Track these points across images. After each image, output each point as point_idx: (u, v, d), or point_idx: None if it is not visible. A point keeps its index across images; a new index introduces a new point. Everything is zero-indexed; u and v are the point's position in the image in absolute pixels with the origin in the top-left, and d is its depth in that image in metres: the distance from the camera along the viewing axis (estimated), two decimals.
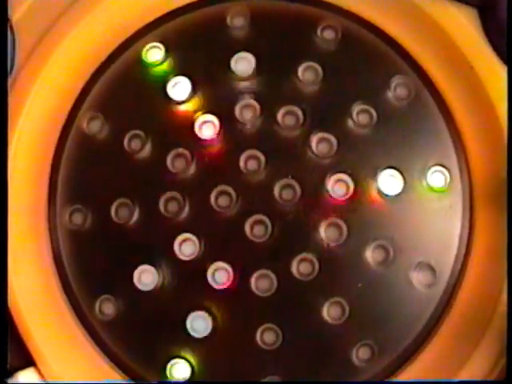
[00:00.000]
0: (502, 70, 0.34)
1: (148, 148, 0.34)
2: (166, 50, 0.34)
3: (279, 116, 0.33)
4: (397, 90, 0.34)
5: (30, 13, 0.35)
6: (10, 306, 0.33)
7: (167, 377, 0.33)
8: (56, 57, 0.34)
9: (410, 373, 0.33)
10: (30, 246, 0.34)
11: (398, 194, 0.33)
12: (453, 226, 0.33)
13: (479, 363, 0.32)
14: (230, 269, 0.33)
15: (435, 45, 0.34)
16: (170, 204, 0.33)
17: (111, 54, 0.35)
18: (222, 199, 0.33)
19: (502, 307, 0.32)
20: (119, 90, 0.35)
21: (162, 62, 0.34)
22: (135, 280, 0.33)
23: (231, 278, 0.33)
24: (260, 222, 0.33)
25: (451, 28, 0.34)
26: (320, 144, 0.33)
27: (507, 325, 0.29)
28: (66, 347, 0.34)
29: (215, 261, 0.33)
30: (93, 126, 0.34)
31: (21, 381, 0.33)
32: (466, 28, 0.34)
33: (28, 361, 0.33)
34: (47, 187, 0.35)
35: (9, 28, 0.34)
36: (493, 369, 0.32)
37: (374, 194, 0.33)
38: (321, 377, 0.33)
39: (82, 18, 0.34)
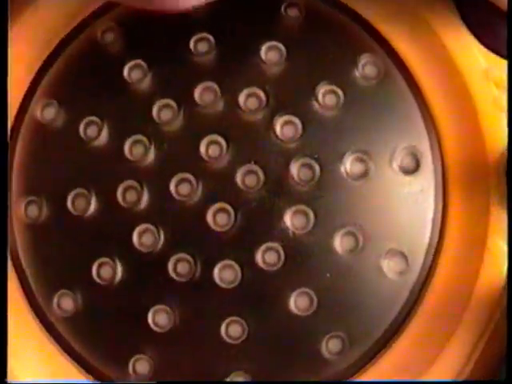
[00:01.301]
0: (475, 47, 0.33)
1: (104, 135, 0.32)
2: (122, 32, 0.33)
3: (241, 99, 0.32)
4: (365, 69, 0.32)
5: None
6: None
7: (130, 373, 0.32)
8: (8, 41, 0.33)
9: (382, 364, 0.32)
10: None
11: (367, 179, 0.32)
12: (425, 211, 0.32)
13: (455, 352, 0.31)
14: (191, 260, 0.31)
15: (405, 22, 0.33)
16: (128, 193, 0.32)
17: (65, 38, 0.33)
18: (182, 187, 0.32)
19: (477, 294, 0.31)
20: (74, 75, 0.33)
21: (117, 46, 0.33)
22: (94, 274, 0.32)
23: (193, 270, 0.31)
24: (222, 210, 0.31)
25: (422, 3, 0.32)
26: (284, 127, 0.32)
27: (507, 325, 0.28)
28: (25, 345, 0.32)
29: (176, 252, 0.31)
30: (47, 113, 0.33)
31: None
32: (438, 5, 0.32)
33: None
34: None
35: None
36: (469, 357, 0.31)
37: (341, 179, 0.32)
38: (289, 371, 0.32)
39: (33, 1, 0.33)
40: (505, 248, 0.31)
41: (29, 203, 0.33)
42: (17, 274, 0.33)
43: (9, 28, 0.32)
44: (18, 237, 0.33)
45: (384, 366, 0.32)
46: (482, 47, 0.32)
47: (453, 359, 0.31)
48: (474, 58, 0.32)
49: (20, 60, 0.33)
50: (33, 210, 0.33)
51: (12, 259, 0.33)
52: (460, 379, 0.31)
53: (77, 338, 0.32)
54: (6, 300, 0.30)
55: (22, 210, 0.33)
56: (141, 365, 0.32)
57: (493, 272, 0.31)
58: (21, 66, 0.33)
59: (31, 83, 0.33)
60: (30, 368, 0.32)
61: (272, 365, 0.32)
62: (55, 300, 0.32)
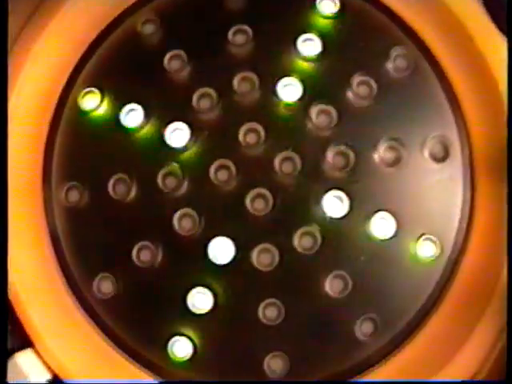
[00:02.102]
0: (501, 42, 0.34)
1: (145, 122, 0.33)
2: (162, 23, 0.34)
3: (278, 88, 0.33)
4: (396, 62, 0.34)
5: None
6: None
7: (169, 355, 0.32)
8: (49, 31, 0.34)
9: (413, 347, 0.33)
10: (27, 225, 0.33)
11: (399, 166, 0.33)
12: (454, 198, 0.33)
13: (483, 334, 0.32)
14: (231, 243, 0.32)
15: (435, 16, 0.34)
16: (168, 179, 0.33)
17: (106, 28, 0.34)
18: (221, 173, 0.33)
19: (504, 279, 0.32)
20: (115, 63, 0.34)
21: (158, 36, 0.34)
22: (134, 257, 0.33)
23: (232, 253, 0.32)
24: (260, 195, 0.32)
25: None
26: (320, 116, 0.33)
27: (507, 324, 0.29)
28: (64, 327, 0.33)
29: (216, 236, 0.32)
30: (89, 101, 0.34)
31: (19, 362, 0.32)
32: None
33: (26, 342, 0.33)
34: (42, 164, 0.34)
35: None
36: (496, 340, 0.32)
37: (375, 165, 0.33)
38: (324, 352, 0.32)
39: None
40: None
41: (70, 188, 0.33)
42: (57, 258, 0.33)
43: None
44: (58, 221, 0.34)
45: (415, 348, 0.33)
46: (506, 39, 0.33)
47: (481, 342, 0.32)
48: (500, 50, 0.33)
49: (61, 50, 0.34)
50: (74, 195, 0.33)
51: (53, 243, 0.33)
52: (488, 363, 0.32)
53: (116, 320, 0.33)
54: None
55: (63, 195, 0.33)
56: (179, 347, 0.33)
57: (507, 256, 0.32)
58: (62, 56, 0.34)
59: (73, 72, 0.34)
60: (69, 350, 0.33)
61: (308, 346, 0.33)
62: (95, 283, 0.33)
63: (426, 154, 0.33)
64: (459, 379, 0.32)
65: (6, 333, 0.30)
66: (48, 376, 0.33)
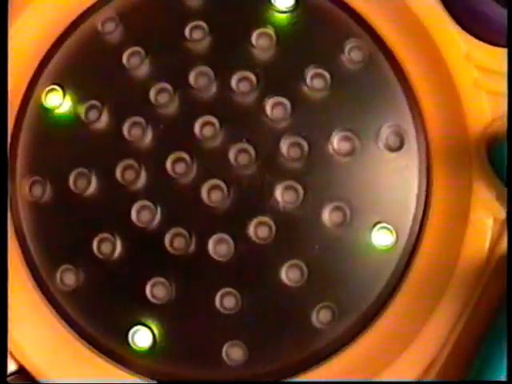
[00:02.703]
0: (456, 32, 0.34)
1: (104, 117, 0.34)
2: (122, 21, 0.35)
3: (233, 82, 0.33)
4: (351, 54, 0.34)
5: None
6: None
7: (129, 344, 0.33)
8: (13, 33, 0.35)
9: (371, 334, 0.33)
10: None
11: (354, 156, 0.33)
12: (410, 186, 0.33)
13: (440, 321, 0.32)
14: (187, 234, 0.33)
15: (388, 7, 0.35)
16: (126, 172, 0.33)
17: (68, 27, 0.35)
18: (178, 166, 0.33)
19: (461, 265, 0.32)
20: (76, 62, 0.35)
21: (117, 34, 0.35)
22: (94, 249, 0.33)
23: (188, 244, 0.33)
24: (216, 186, 0.33)
25: None
26: (274, 108, 0.33)
27: (507, 324, 0.29)
28: (29, 318, 0.34)
29: (172, 227, 0.33)
30: (51, 98, 0.35)
31: None
32: None
33: None
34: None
35: None
36: (453, 327, 0.32)
37: (329, 156, 0.33)
38: (282, 340, 0.33)
39: None
40: (488, 222, 0.32)
41: (33, 183, 0.34)
42: (21, 251, 0.34)
43: (9, 25, 0.34)
44: (22, 215, 0.34)
45: (373, 336, 0.33)
46: (462, 31, 0.34)
47: (438, 328, 0.32)
48: (455, 42, 0.34)
49: (25, 49, 0.35)
50: (37, 190, 0.34)
51: (17, 236, 0.34)
52: (446, 348, 0.32)
53: (79, 310, 0.34)
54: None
55: (27, 190, 0.34)
56: (140, 336, 0.33)
57: (476, 244, 0.32)
58: (26, 55, 0.35)
59: (36, 70, 0.35)
60: (34, 340, 0.34)
61: (265, 334, 0.33)
62: (58, 275, 0.34)
63: (381, 143, 0.33)
64: (416, 369, 0.32)
65: (6, 333, 0.32)
66: (13, 366, 0.33)
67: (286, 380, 0.33)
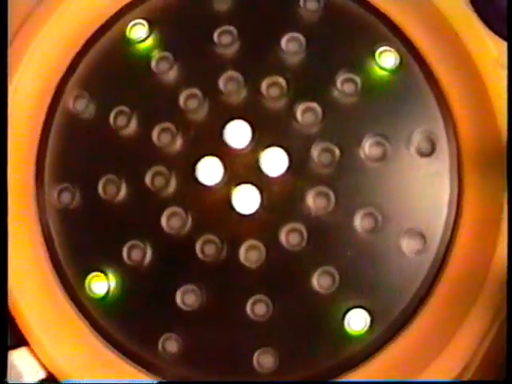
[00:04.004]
0: (487, 38, 0.34)
1: (133, 124, 0.34)
2: (150, 27, 0.35)
3: (263, 87, 0.33)
4: (382, 58, 0.34)
5: None
6: None
7: (159, 352, 0.33)
8: (40, 38, 0.35)
9: (403, 341, 0.33)
10: (21, 226, 0.34)
11: (385, 161, 0.33)
12: (441, 192, 0.33)
13: (472, 328, 0.32)
14: (218, 241, 0.33)
15: (419, 12, 0.34)
16: (156, 178, 0.33)
17: (95, 33, 0.35)
18: (208, 172, 0.33)
19: (493, 272, 0.32)
20: (104, 67, 0.35)
21: (145, 39, 0.35)
22: (124, 256, 0.33)
23: (220, 251, 0.32)
24: (247, 192, 0.33)
25: None
26: (305, 114, 0.33)
27: (507, 324, 0.29)
28: (58, 325, 0.34)
29: (203, 234, 0.33)
30: (78, 104, 0.35)
31: (14, 360, 0.33)
32: None
33: (20, 340, 0.33)
34: (34, 167, 0.35)
35: None
36: (485, 334, 0.32)
37: (360, 161, 0.33)
38: (314, 346, 0.33)
39: None
40: None
41: (62, 190, 0.34)
42: (50, 258, 0.34)
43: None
44: (51, 222, 0.34)
45: (405, 342, 0.33)
46: (492, 35, 0.34)
47: (471, 335, 0.32)
48: (486, 46, 0.33)
49: (53, 54, 0.35)
50: (66, 197, 0.34)
51: (46, 244, 0.34)
52: (478, 355, 0.32)
53: (108, 318, 0.34)
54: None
55: (56, 197, 0.34)
56: (170, 343, 0.33)
57: (506, 255, 0.32)
58: (53, 60, 0.35)
59: (63, 76, 0.35)
60: (63, 348, 0.33)
61: (297, 341, 0.33)
62: (87, 282, 0.34)
63: (412, 149, 0.33)
64: (451, 374, 0.32)
65: (6, 333, 0.31)
66: (42, 374, 0.33)
67: None
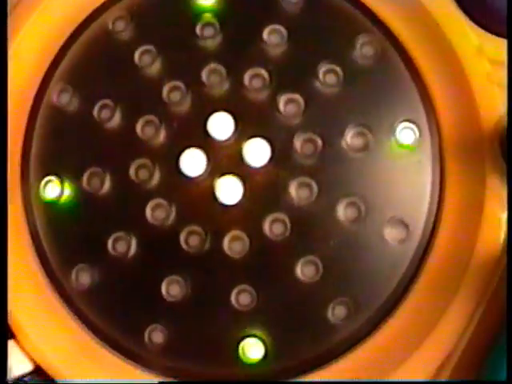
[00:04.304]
0: (467, 25, 0.34)
1: (117, 117, 0.34)
2: (132, 20, 0.35)
3: (246, 78, 0.33)
4: (363, 49, 0.34)
5: None
6: None
7: (146, 343, 0.33)
8: (24, 33, 0.35)
9: (387, 329, 0.33)
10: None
11: (367, 151, 0.33)
12: (423, 181, 0.33)
13: (455, 316, 0.32)
14: (202, 232, 0.33)
15: (400, 3, 0.35)
16: (140, 171, 0.33)
17: (79, 27, 0.35)
18: (191, 163, 0.33)
19: (476, 258, 0.32)
20: (87, 61, 0.35)
21: (128, 33, 0.35)
22: (109, 248, 0.33)
23: (204, 241, 0.33)
24: (230, 183, 0.33)
25: None
26: (288, 105, 0.33)
27: (507, 323, 0.29)
28: (44, 318, 0.34)
29: (187, 225, 0.33)
30: (63, 97, 0.35)
31: None
32: None
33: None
34: (19, 161, 0.35)
35: None
36: (468, 322, 0.32)
37: (343, 152, 0.33)
38: (298, 336, 0.33)
39: None
40: (502, 216, 0.32)
41: (47, 183, 0.34)
42: (36, 251, 0.34)
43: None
44: (36, 215, 0.34)
45: (388, 331, 0.33)
46: (474, 25, 0.34)
47: (454, 323, 0.32)
48: (467, 36, 0.34)
49: (36, 49, 0.35)
50: (50, 189, 0.34)
51: (31, 236, 0.34)
52: (461, 344, 0.32)
53: (94, 309, 0.34)
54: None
55: (41, 189, 0.34)
56: (156, 334, 0.33)
57: (490, 238, 0.32)
58: (37, 54, 0.35)
59: (47, 70, 0.35)
60: (50, 340, 0.34)
61: (281, 330, 0.33)
62: (73, 274, 0.34)
63: (394, 138, 0.33)
64: (435, 361, 0.32)
65: (6, 333, 0.32)
66: (30, 366, 0.34)
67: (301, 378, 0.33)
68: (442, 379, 0.32)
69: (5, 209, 0.32)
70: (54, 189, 0.34)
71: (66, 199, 0.34)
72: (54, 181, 0.34)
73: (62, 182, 0.34)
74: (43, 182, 0.34)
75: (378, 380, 0.32)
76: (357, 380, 0.33)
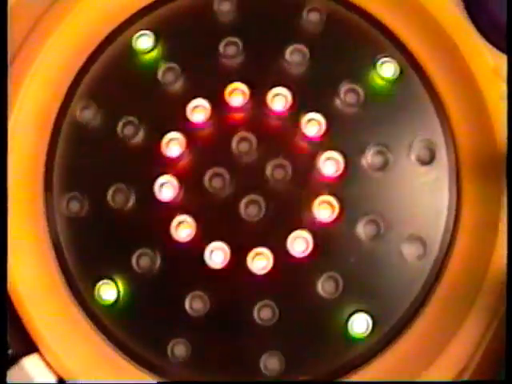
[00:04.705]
0: (484, 48, 0.35)
1: (141, 133, 0.34)
2: (156, 37, 0.35)
3: (268, 98, 0.34)
4: (382, 69, 0.35)
5: (19, 5, 0.35)
6: (10, 293, 0.34)
7: (169, 357, 0.34)
8: (47, 48, 0.35)
9: (404, 343, 0.34)
10: (30, 234, 0.35)
11: (387, 170, 0.34)
12: (440, 199, 0.34)
13: (470, 330, 0.33)
14: (226, 248, 0.33)
15: (418, 24, 0.35)
16: (164, 188, 0.34)
17: (101, 43, 0.36)
18: (215, 181, 0.34)
19: (491, 274, 0.33)
20: (111, 77, 0.36)
21: (151, 49, 0.35)
22: (133, 263, 0.34)
23: (228, 258, 0.33)
24: (253, 201, 0.34)
25: (434, 7, 0.35)
26: (309, 124, 0.34)
27: (506, 324, 0.30)
28: (68, 332, 0.34)
29: (211, 241, 0.33)
30: (86, 114, 0.35)
31: (26, 366, 0.33)
32: (448, 7, 0.35)
33: (31, 347, 0.34)
34: (43, 176, 0.35)
35: None
36: (483, 336, 0.33)
37: (363, 170, 0.34)
38: (319, 349, 0.34)
39: (72, 8, 0.35)
40: None
41: (71, 199, 0.35)
42: (59, 265, 0.35)
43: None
44: (60, 230, 0.35)
45: (406, 345, 0.34)
46: (489, 46, 0.35)
47: (469, 337, 0.33)
48: (483, 57, 0.34)
49: (60, 64, 0.35)
50: (75, 205, 0.35)
51: (55, 252, 0.35)
52: (476, 356, 0.33)
53: (118, 324, 0.34)
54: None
55: (64, 206, 0.35)
56: (178, 348, 0.34)
57: (504, 254, 0.33)
58: (61, 70, 0.35)
59: (70, 86, 0.35)
60: (74, 354, 0.34)
61: (302, 344, 0.34)
62: (96, 289, 0.34)
63: (413, 157, 0.34)
64: (450, 374, 0.33)
65: (5, 332, 0.32)
66: (54, 379, 0.34)
67: None
68: None
69: (5, 208, 0.33)
70: (76, 205, 0.35)
71: (89, 214, 0.35)
72: (77, 197, 0.35)
73: (84, 198, 0.35)
74: (67, 198, 0.35)
75: None
76: None
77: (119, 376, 0.34)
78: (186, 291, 0.34)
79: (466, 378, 0.33)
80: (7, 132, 0.34)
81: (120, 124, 0.35)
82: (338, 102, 0.34)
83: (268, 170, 0.34)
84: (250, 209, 0.34)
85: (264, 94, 0.34)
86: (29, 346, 0.34)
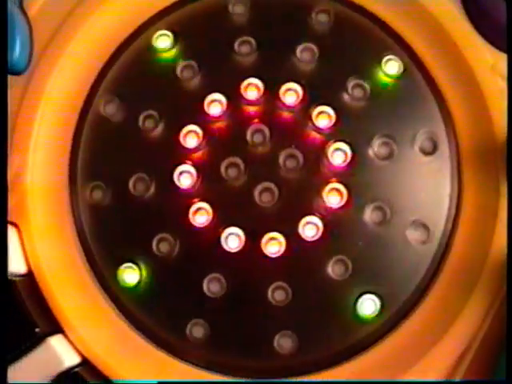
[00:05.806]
0: (482, 45, 0.37)
1: (161, 126, 0.37)
2: (174, 37, 0.37)
3: (281, 93, 0.36)
4: (387, 66, 0.37)
5: (45, 7, 0.38)
6: (37, 277, 0.36)
7: (187, 337, 0.36)
8: (72, 47, 0.37)
9: (410, 324, 0.36)
10: (55, 222, 0.37)
11: (392, 159, 0.36)
12: (443, 187, 0.36)
13: (472, 312, 0.35)
14: (241, 233, 0.35)
15: (421, 24, 0.37)
16: (183, 176, 0.36)
17: (124, 42, 0.38)
18: (231, 170, 0.36)
19: (491, 258, 0.35)
20: (132, 74, 0.38)
21: (170, 48, 0.37)
22: (154, 248, 0.36)
23: (243, 242, 0.35)
24: (267, 189, 0.36)
25: (436, 9, 0.37)
26: (319, 116, 0.36)
27: (506, 325, 0.32)
28: (91, 313, 0.36)
29: (227, 227, 0.35)
30: (109, 108, 0.37)
31: (52, 345, 0.35)
32: (449, 9, 0.37)
33: (57, 327, 0.36)
34: (68, 167, 0.37)
35: (26, 21, 0.37)
36: (485, 317, 0.35)
37: (370, 159, 0.36)
38: (329, 329, 0.36)
39: (95, 10, 0.37)
40: None
41: (94, 188, 0.37)
42: (83, 250, 0.37)
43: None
44: (83, 217, 0.37)
45: (413, 325, 0.36)
46: (488, 44, 0.37)
47: (471, 319, 0.35)
48: (482, 54, 0.37)
49: (85, 61, 0.38)
50: (98, 194, 0.37)
51: (79, 238, 0.37)
52: (477, 340, 0.35)
53: (139, 306, 0.36)
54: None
55: (88, 194, 0.37)
56: (197, 329, 0.36)
57: (504, 241, 0.35)
58: (86, 67, 0.38)
59: (94, 82, 0.38)
60: (96, 334, 0.36)
61: (314, 324, 0.36)
62: (120, 273, 0.36)
63: (416, 148, 0.37)
64: (454, 355, 0.35)
65: (5, 333, 0.33)
66: (78, 358, 0.36)
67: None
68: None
69: (5, 208, 0.34)
70: (99, 194, 0.37)
71: (112, 202, 0.37)
72: (100, 186, 0.37)
73: (107, 187, 0.37)
74: (90, 187, 0.37)
75: (387, 380, 0.35)
76: (369, 380, 0.35)
77: (139, 355, 0.36)
78: (203, 274, 0.36)
79: (470, 356, 0.35)
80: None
81: (141, 117, 0.37)
82: (346, 96, 0.37)
83: (280, 160, 0.36)
84: (264, 196, 0.36)
85: (277, 89, 0.36)
86: (55, 327, 0.36)
